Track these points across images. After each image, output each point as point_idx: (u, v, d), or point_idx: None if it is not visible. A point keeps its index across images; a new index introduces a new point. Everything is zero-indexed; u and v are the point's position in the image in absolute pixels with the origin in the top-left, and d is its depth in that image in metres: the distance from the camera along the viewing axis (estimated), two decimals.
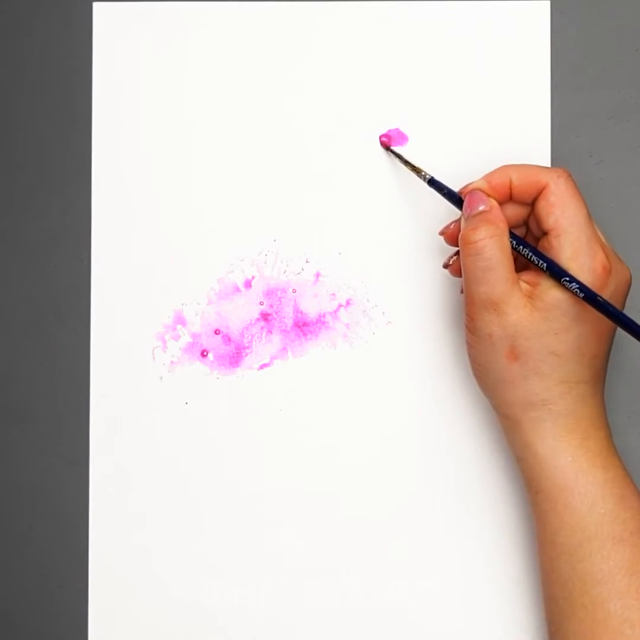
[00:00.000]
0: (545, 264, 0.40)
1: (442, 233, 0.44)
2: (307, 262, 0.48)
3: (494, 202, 0.41)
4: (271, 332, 0.48)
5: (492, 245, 0.40)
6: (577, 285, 0.39)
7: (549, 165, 0.47)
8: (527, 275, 0.41)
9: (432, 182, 0.45)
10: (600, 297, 0.39)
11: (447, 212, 0.47)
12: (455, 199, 0.43)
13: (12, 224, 0.49)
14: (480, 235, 0.40)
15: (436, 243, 0.48)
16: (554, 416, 0.40)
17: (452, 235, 0.44)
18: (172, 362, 0.48)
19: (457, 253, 0.43)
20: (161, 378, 0.48)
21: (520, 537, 0.47)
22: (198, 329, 0.48)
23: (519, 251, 0.41)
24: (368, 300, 0.48)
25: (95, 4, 0.49)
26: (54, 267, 0.49)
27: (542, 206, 0.41)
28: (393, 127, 0.48)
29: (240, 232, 0.48)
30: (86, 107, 0.49)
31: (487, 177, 0.42)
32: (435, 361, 0.48)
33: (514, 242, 0.41)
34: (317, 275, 0.48)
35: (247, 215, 0.48)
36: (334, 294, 0.48)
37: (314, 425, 0.48)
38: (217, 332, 0.48)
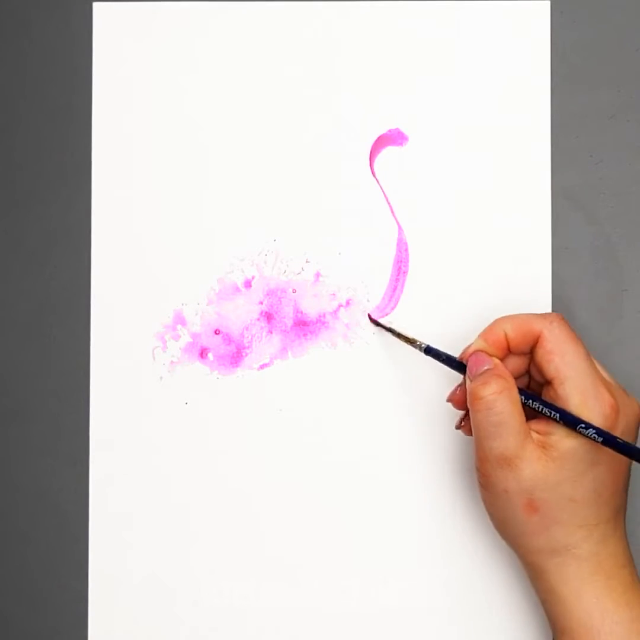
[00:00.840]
0: (557, 414, 0.40)
1: (449, 400, 0.44)
2: (307, 262, 0.48)
3: (497, 360, 0.41)
4: (271, 332, 0.48)
5: (503, 399, 0.40)
6: (594, 431, 0.39)
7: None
8: (537, 425, 0.40)
9: (429, 351, 0.44)
10: (620, 439, 0.38)
11: (447, 208, 0.47)
12: (455, 364, 0.43)
13: (12, 224, 0.49)
14: (491, 389, 0.40)
15: (437, 243, 0.48)
16: (578, 560, 0.40)
17: (459, 400, 0.43)
18: (172, 362, 0.48)
19: (468, 413, 0.43)
20: (161, 378, 0.48)
21: None
22: (198, 329, 0.48)
23: (528, 405, 0.41)
24: (368, 300, 0.48)
25: (95, 4, 0.49)
26: (54, 267, 0.49)
27: (540, 355, 0.41)
28: (393, 127, 0.48)
29: (240, 232, 0.48)
30: (86, 107, 0.49)
31: (484, 336, 0.42)
32: (434, 361, 0.47)
33: (523, 397, 0.41)
34: (317, 275, 0.48)
35: (247, 215, 0.48)
36: (334, 294, 0.48)
37: (314, 425, 0.48)
38: (217, 332, 0.48)
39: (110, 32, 0.49)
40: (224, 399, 0.48)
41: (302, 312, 0.48)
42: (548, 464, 0.39)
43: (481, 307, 0.47)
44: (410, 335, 0.45)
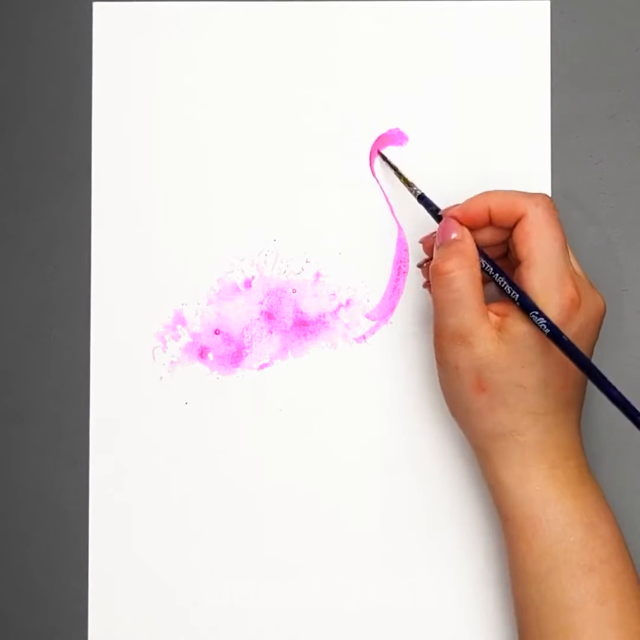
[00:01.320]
0: (517, 295, 0.40)
1: (422, 242, 0.45)
2: (307, 262, 0.48)
3: (466, 232, 0.41)
4: (271, 332, 0.48)
5: (461, 277, 0.40)
6: (544, 322, 0.38)
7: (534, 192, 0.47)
8: (497, 307, 0.41)
9: (422, 198, 0.45)
10: (566, 337, 0.38)
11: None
12: (438, 218, 0.43)
13: (12, 224, 0.49)
14: (450, 266, 0.40)
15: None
16: (522, 446, 0.40)
17: (428, 247, 0.44)
18: (172, 362, 0.48)
19: (430, 259, 0.43)
20: (161, 378, 0.48)
21: None
22: (198, 329, 0.48)
23: (493, 278, 0.41)
24: (368, 300, 0.48)
25: (95, 4, 0.49)
26: (54, 267, 0.49)
27: (517, 234, 0.41)
28: (393, 127, 0.48)
29: (240, 232, 0.48)
30: (86, 107, 0.49)
31: (465, 205, 0.42)
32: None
33: (491, 269, 0.41)
34: (317, 275, 0.48)
35: (247, 215, 0.48)
36: (334, 294, 0.48)
37: (314, 425, 0.48)
38: (217, 332, 0.48)
39: (110, 32, 0.49)
40: (224, 399, 0.48)
41: (302, 312, 0.48)
42: (500, 346, 0.39)
43: None
44: (410, 179, 0.46)
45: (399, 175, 0.46)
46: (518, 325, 0.39)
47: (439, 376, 0.42)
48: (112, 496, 0.48)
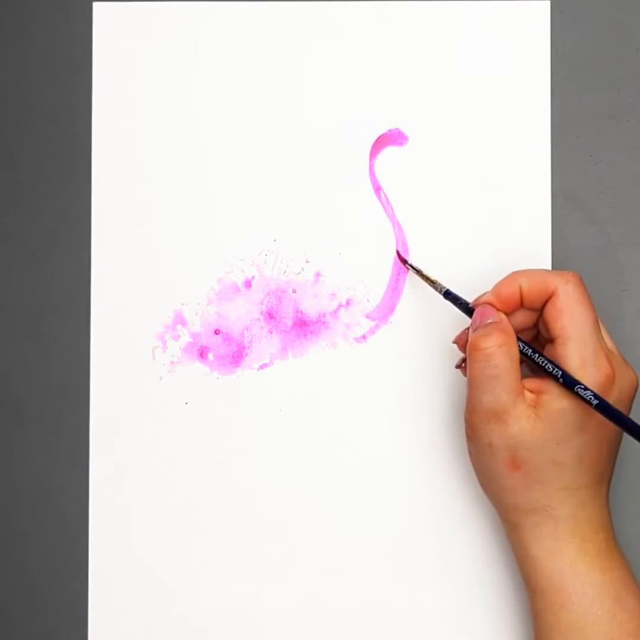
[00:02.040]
0: (560, 372, 0.40)
1: (455, 341, 0.44)
2: (307, 262, 0.48)
3: (503, 316, 0.41)
4: (271, 332, 0.48)
5: (501, 353, 0.40)
6: (591, 394, 0.38)
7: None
8: (531, 383, 0.41)
9: (448, 294, 0.44)
10: (613, 406, 0.38)
11: (447, 208, 0.47)
12: (470, 311, 0.43)
13: (12, 224, 0.49)
14: (491, 342, 0.40)
15: (437, 243, 0.48)
16: (554, 521, 0.40)
17: (464, 344, 0.43)
18: (172, 362, 0.48)
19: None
20: (161, 378, 0.48)
21: None
22: (198, 329, 0.48)
23: (532, 359, 0.41)
24: (368, 300, 0.48)
25: (95, 4, 0.49)
26: (54, 267, 0.49)
27: (550, 312, 0.41)
28: (393, 127, 0.48)
29: (240, 232, 0.48)
30: (86, 107, 0.49)
31: (497, 289, 0.42)
32: (434, 361, 0.48)
33: (530, 351, 0.41)
34: (317, 275, 0.48)
35: (247, 215, 0.48)
36: (334, 294, 0.48)
37: (314, 425, 0.48)
38: (217, 332, 0.48)
39: (110, 32, 0.49)
40: (224, 399, 0.48)
41: (302, 312, 0.48)
42: (536, 424, 0.39)
43: None
44: (432, 276, 0.45)
45: (424, 277, 0.46)
46: (556, 403, 0.39)
47: (470, 451, 0.42)
48: (112, 496, 0.48)
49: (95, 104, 0.49)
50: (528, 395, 0.40)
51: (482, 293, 0.43)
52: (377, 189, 0.48)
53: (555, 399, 0.40)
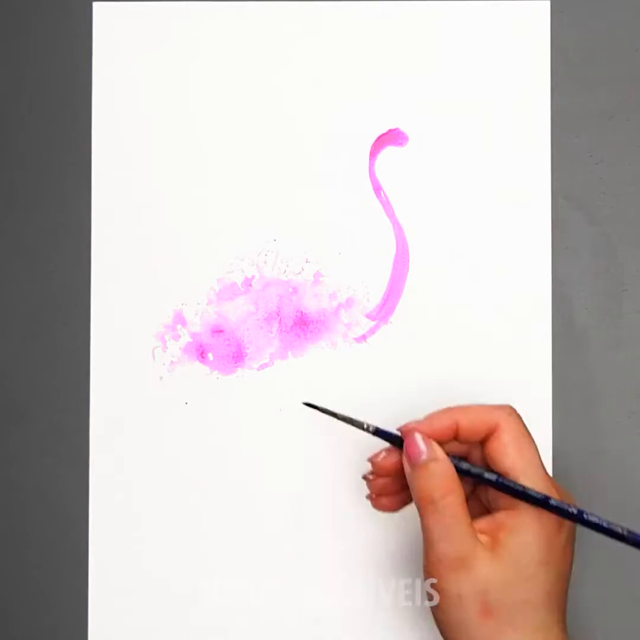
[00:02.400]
0: (539, 495, 0.39)
1: (371, 460, 0.42)
2: (307, 262, 0.48)
3: (437, 448, 0.40)
4: (271, 332, 0.48)
5: (454, 502, 0.39)
6: (567, 505, 0.38)
7: None
8: (479, 524, 0.39)
9: (379, 433, 0.41)
10: (596, 516, 0.38)
11: (447, 208, 0.47)
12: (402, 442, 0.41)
13: (12, 224, 0.49)
14: (443, 492, 0.39)
15: (437, 243, 0.48)
16: None
17: (382, 467, 0.42)
18: (172, 362, 0.48)
19: (385, 483, 0.42)
20: (161, 378, 0.48)
21: None
22: (198, 329, 0.48)
23: (501, 490, 0.39)
24: (368, 300, 0.48)
25: (95, 4, 0.49)
26: (54, 267, 0.49)
27: (495, 448, 0.40)
28: (393, 127, 0.48)
29: (240, 232, 0.48)
30: (86, 107, 0.49)
31: (429, 419, 0.40)
32: (434, 361, 0.48)
33: (498, 481, 0.39)
34: (317, 275, 0.48)
35: (247, 215, 0.48)
36: (334, 294, 0.48)
37: (314, 425, 0.48)
38: (217, 332, 0.48)
39: (110, 32, 0.49)
40: (224, 399, 0.48)
41: (302, 312, 0.48)
42: (499, 565, 0.38)
43: (481, 307, 0.47)
44: (355, 417, 0.42)
45: (341, 417, 0.42)
46: (514, 538, 0.39)
47: (434, 607, 0.39)
48: (112, 496, 0.48)
49: (95, 104, 0.49)
50: (482, 537, 0.39)
51: (411, 421, 0.41)
52: (377, 189, 0.48)
53: (513, 535, 0.39)
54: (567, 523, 0.39)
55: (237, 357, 0.48)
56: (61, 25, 0.49)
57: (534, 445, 0.40)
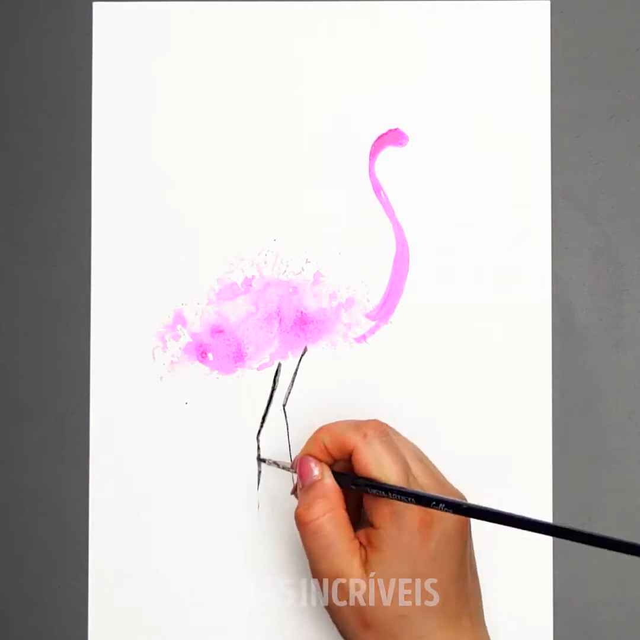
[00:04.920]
0: (412, 498, 0.39)
1: (293, 493, 0.43)
2: (307, 262, 0.48)
3: (324, 468, 0.41)
4: (271, 332, 0.48)
5: (327, 522, 0.40)
6: (444, 505, 0.38)
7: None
8: (360, 538, 0.40)
9: (262, 461, 0.45)
10: (482, 507, 0.38)
11: (447, 208, 0.47)
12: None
13: (12, 223, 0.49)
14: (315, 514, 0.40)
15: (437, 243, 0.48)
16: None
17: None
18: (172, 362, 0.48)
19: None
20: (161, 378, 0.48)
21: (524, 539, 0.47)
22: (198, 329, 0.48)
23: (378, 494, 0.40)
24: (368, 300, 0.48)
25: (95, 4, 0.49)
26: (54, 267, 0.49)
27: (356, 468, 0.40)
28: (393, 127, 0.48)
29: (240, 232, 0.48)
30: (86, 107, 0.49)
31: (306, 448, 0.42)
32: (434, 361, 0.48)
33: (371, 489, 0.40)
34: (317, 275, 0.48)
35: (247, 215, 0.48)
36: (334, 294, 0.48)
37: (314, 425, 0.48)
38: (217, 332, 0.48)
39: (110, 32, 0.49)
40: (224, 399, 0.48)
41: (302, 312, 0.48)
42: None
43: (481, 306, 0.47)
44: (281, 462, 0.46)
45: (277, 464, 0.46)
46: (375, 556, 0.39)
47: (330, 614, 0.41)
48: (112, 496, 0.48)
49: (95, 104, 0.49)
50: (362, 551, 0.40)
51: (296, 456, 0.43)
52: (377, 189, 0.48)
53: (376, 552, 0.39)
54: (436, 530, 0.39)
55: (237, 357, 0.48)
56: (61, 25, 0.49)
57: (397, 462, 0.40)
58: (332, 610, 0.41)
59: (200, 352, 0.48)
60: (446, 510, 0.38)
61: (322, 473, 0.41)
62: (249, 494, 0.48)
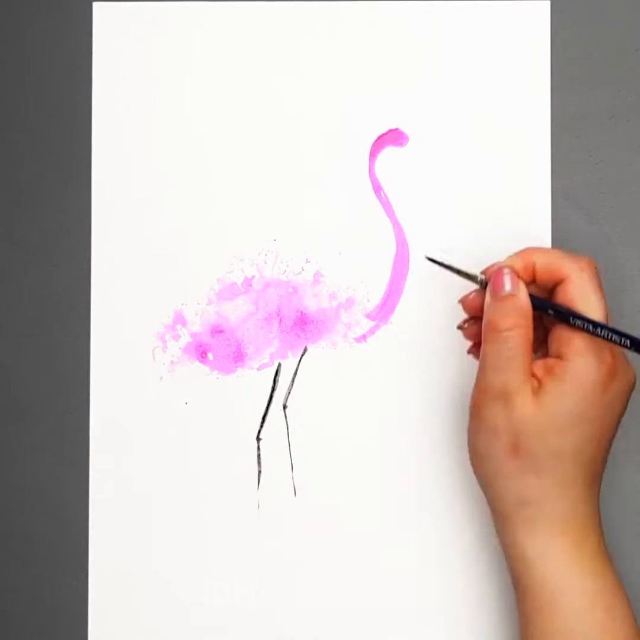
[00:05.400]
0: (611, 334, 0.39)
1: (461, 301, 0.43)
2: (307, 262, 0.48)
3: (521, 285, 0.41)
4: (271, 332, 0.48)
5: (518, 335, 0.40)
6: (628, 339, 0.38)
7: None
8: (536, 367, 0.40)
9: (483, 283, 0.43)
10: None
11: (447, 208, 0.47)
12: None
13: (12, 223, 0.49)
14: (509, 324, 0.40)
15: (437, 243, 0.48)
16: (548, 518, 0.39)
17: (472, 306, 0.43)
18: (172, 362, 0.48)
19: (472, 318, 0.43)
20: (161, 378, 0.48)
21: None
22: (198, 329, 0.48)
23: (561, 318, 0.40)
24: (368, 300, 0.48)
25: (95, 4, 0.49)
26: (54, 267, 0.49)
27: (560, 298, 0.40)
28: (393, 127, 0.48)
29: (240, 232, 0.48)
30: (86, 107, 0.49)
31: (511, 260, 0.41)
32: (435, 361, 0.48)
33: (552, 311, 0.40)
34: (317, 275, 0.48)
35: (247, 215, 0.48)
36: (334, 294, 0.48)
37: (314, 425, 0.48)
38: (217, 332, 0.48)
39: (110, 32, 0.49)
40: (224, 399, 0.48)
41: (302, 312, 0.48)
42: (537, 409, 0.39)
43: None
44: (468, 270, 0.43)
45: (458, 271, 0.43)
46: (555, 386, 0.39)
47: (470, 431, 0.41)
48: (112, 496, 0.48)
49: (95, 104, 0.49)
50: (534, 381, 0.40)
51: (491, 264, 0.42)
52: (377, 189, 0.48)
53: (557, 383, 0.39)
54: (616, 385, 0.39)
55: (237, 357, 0.48)
56: (61, 25, 0.49)
57: (602, 305, 0.40)
58: (481, 429, 0.40)
59: (200, 352, 0.48)
60: None
61: (518, 289, 0.41)
62: (249, 494, 0.48)
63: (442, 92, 0.48)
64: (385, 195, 0.48)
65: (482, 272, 0.42)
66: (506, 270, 0.41)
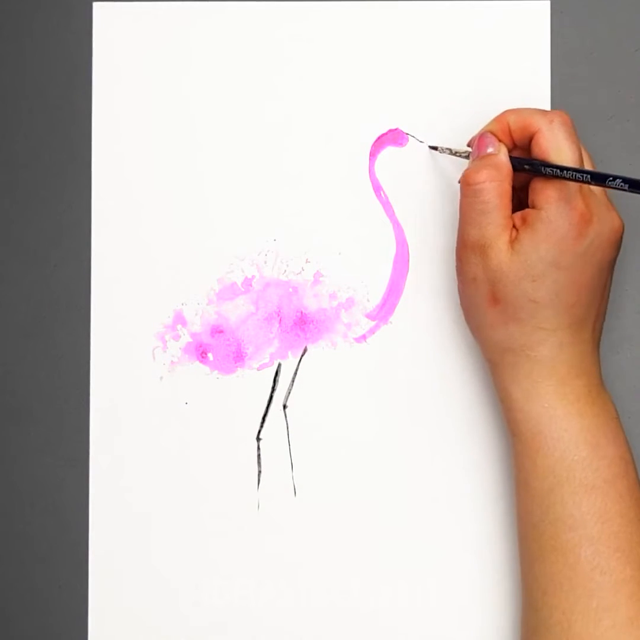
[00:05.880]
0: (588, 176, 0.39)
1: (469, 144, 0.44)
2: (307, 262, 0.48)
3: (502, 146, 0.42)
4: (271, 332, 0.48)
5: (490, 189, 0.41)
6: (620, 180, 0.38)
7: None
8: (516, 218, 0.41)
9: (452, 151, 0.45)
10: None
11: (447, 208, 0.47)
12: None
13: (12, 224, 0.49)
14: (481, 178, 0.41)
15: (437, 243, 0.48)
16: (531, 362, 0.41)
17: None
18: (172, 362, 0.48)
19: None
20: (161, 378, 0.48)
21: None
22: (198, 329, 0.48)
23: (537, 171, 0.40)
24: (368, 300, 0.48)
25: (95, 4, 0.49)
26: (54, 267, 0.49)
27: (534, 151, 0.41)
28: (393, 127, 0.48)
29: (240, 232, 0.48)
30: (86, 107, 0.49)
31: (488, 126, 0.43)
32: (435, 361, 0.48)
33: (527, 166, 0.41)
34: (317, 275, 0.48)
35: (247, 215, 0.48)
36: (334, 294, 0.48)
37: (314, 425, 0.48)
38: (217, 332, 0.48)
39: (110, 32, 0.49)
40: (224, 399, 0.48)
41: (302, 312, 0.48)
42: (513, 258, 0.40)
43: None
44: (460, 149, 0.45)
45: (457, 153, 0.46)
46: (529, 235, 0.40)
47: (459, 288, 0.43)
48: (112, 496, 0.48)
49: (95, 104, 0.49)
50: (513, 232, 0.41)
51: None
52: (377, 189, 0.48)
53: (530, 232, 0.40)
54: (592, 231, 0.40)
55: (237, 357, 0.48)
56: (61, 25, 0.49)
57: (575, 152, 0.41)
58: (464, 283, 0.42)
59: (200, 352, 0.48)
60: (622, 187, 0.38)
61: (498, 149, 0.42)
62: (249, 494, 0.48)
63: (442, 92, 0.48)
64: (385, 195, 0.48)
65: (468, 144, 0.44)
66: (486, 133, 0.42)
